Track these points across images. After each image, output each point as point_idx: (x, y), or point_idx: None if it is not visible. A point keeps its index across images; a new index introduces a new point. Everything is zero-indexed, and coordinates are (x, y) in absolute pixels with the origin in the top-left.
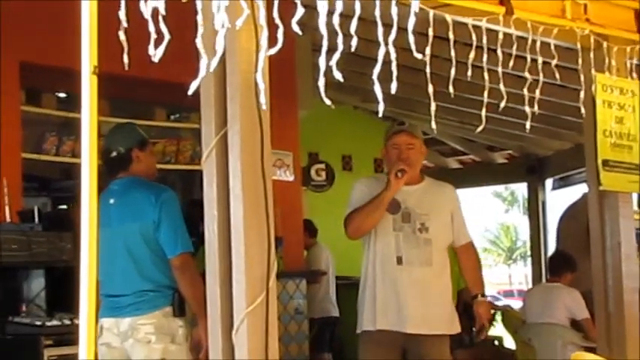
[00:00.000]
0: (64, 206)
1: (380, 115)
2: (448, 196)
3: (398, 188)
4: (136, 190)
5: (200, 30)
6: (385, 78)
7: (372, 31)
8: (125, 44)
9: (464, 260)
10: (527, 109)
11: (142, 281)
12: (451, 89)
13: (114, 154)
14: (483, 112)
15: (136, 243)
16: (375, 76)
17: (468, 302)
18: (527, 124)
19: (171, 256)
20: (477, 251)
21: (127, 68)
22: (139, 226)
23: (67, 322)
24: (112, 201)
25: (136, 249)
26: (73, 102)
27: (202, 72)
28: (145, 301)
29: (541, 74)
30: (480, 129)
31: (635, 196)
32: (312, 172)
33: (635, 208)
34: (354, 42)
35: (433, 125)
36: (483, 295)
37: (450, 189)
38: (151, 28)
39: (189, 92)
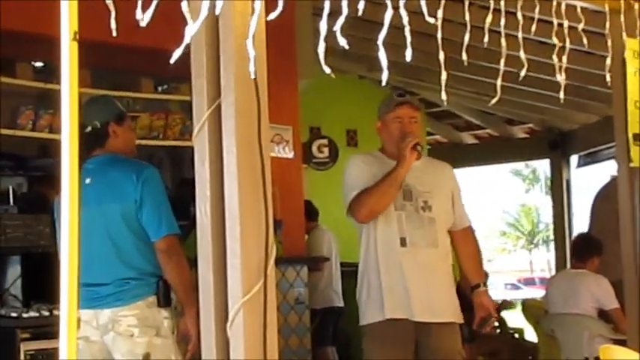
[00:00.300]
0: (41, 186)
1: (384, 84)
2: (448, 174)
3: (412, 163)
4: (115, 167)
5: None
6: (393, 44)
7: None
8: (112, 7)
9: (462, 246)
10: (558, 77)
11: (123, 268)
12: (464, 56)
13: (89, 128)
14: (499, 82)
15: (116, 226)
16: (380, 41)
17: (466, 294)
18: (561, 94)
19: (156, 239)
20: (476, 236)
21: (114, 34)
22: (120, 207)
23: (46, 313)
24: (87, 180)
25: (116, 232)
26: (50, 72)
27: (187, 38)
28: (126, 290)
29: (567, 40)
30: (494, 101)
31: None
32: (314, 148)
33: None
34: (361, 5)
35: (443, 96)
36: (485, 285)
37: (448, 168)
38: None
39: (172, 60)
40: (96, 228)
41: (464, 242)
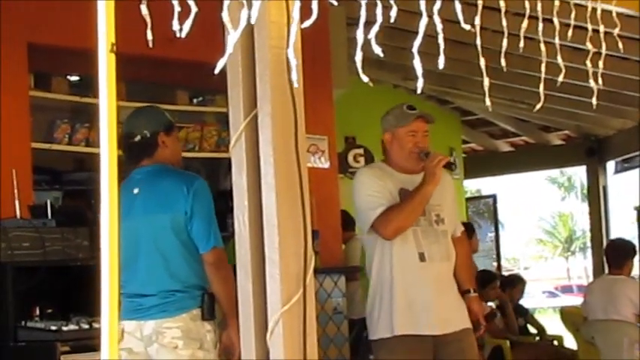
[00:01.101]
0: (73, 200)
1: (419, 92)
2: (449, 183)
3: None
4: (165, 178)
5: (226, 2)
6: (427, 53)
7: (413, 2)
8: (148, 19)
9: (457, 253)
10: (592, 83)
11: (169, 280)
12: (503, 62)
13: (137, 138)
14: (541, 88)
15: (165, 236)
16: (415, 49)
17: None
18: (594, 100)
19: (204, 251)
20: (467, 243)
21: (150, 46)
22: (170, 217)
23: (86, 326)
24: (135, 191)
25: (164, 243)
26: (86, 85)
27: (229, 48)
28: (171, 302)
29: (604, 45)
30: (539, 106)
31: None
32: (350, 157)
33: None
34: (394, 12)
35: (487, 102)
36: (475, 291)
37: (449, 176)
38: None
39: (216, 71)
40: (142, 238)
41: (458, 249)
